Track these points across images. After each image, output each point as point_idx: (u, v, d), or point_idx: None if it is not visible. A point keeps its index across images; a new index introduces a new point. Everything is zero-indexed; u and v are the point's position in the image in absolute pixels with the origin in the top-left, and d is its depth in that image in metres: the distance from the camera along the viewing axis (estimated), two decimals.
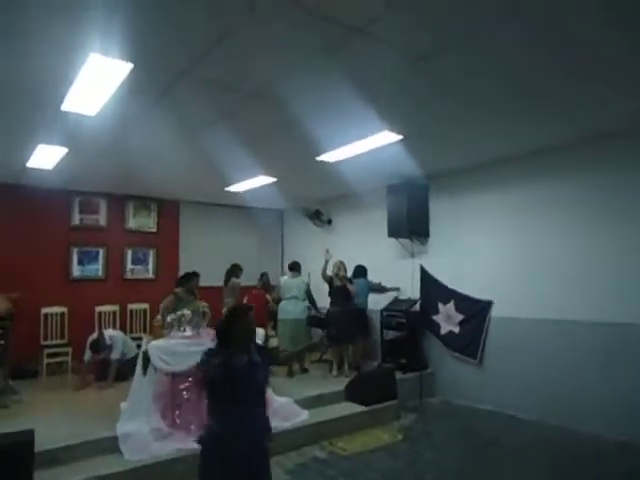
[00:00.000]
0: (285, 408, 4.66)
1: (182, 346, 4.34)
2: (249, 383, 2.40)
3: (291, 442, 4.34)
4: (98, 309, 6.98)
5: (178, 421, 4.10)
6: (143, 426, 3.98)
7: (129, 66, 3.02)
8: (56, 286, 6.75)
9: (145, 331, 7.32)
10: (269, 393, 4.71)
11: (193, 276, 5.52)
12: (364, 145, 4.89)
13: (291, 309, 6.21)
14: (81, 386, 5.65)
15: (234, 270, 6.85)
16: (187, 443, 3.92)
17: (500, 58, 3.09)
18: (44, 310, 6.57)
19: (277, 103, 3.83)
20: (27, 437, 3.30)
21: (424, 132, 4.61)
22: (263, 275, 7.61)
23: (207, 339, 4.44)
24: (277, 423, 4.39)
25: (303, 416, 4.66)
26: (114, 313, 7.14)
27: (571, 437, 4.44)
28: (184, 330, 4.65)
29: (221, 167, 5.86)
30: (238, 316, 2.54)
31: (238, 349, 2.39)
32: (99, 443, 3.82)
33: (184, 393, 4.20)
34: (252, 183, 6.74)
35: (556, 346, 4.99)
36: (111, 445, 3.83)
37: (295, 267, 6.56)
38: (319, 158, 5.37)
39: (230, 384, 2.33)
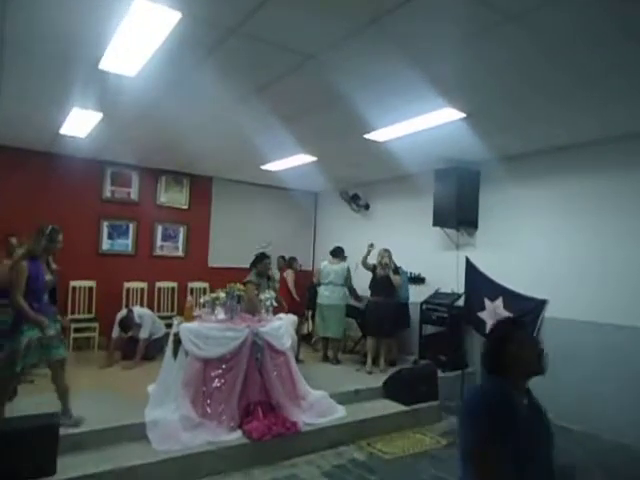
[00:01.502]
0: (321, 403, 4.35)
1: (216, 330, 4.05)
2: (538, 439, 1.65)
3: (327, 440, 4.05)
4: (127, 285, 6.79)
5: (209, 410, 3.82)
6: (172, 413, 3.72)
7: (177, 15, 2.67)
8: (85, 259, 6.56)
9: (173, 310, 7.13)
10: (304, 387, 4.44)
11: (263, 258, 5.18)
12: (421, 123, 4.45)
13: (328, 295, 6.04)
14: (107, 364, 5.47)
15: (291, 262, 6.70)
16: (219, 434, 3.69)
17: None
18: (73, 283, 6.40)
19: (328, 74, 3.46)
20: (51, 420, 3.06)
21: (488, 111, 4.15)
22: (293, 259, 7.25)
23: (242, 325, 4.18)
24: (312, 419, 4.12)
25: (339, 412, 4.35)
26: (142, 290, 6.94)
27: (623, 452, 4.03)
28: (217, 314, 4.37)
29: (260, 143, 5.51)
30: (511, 331, 1.77)
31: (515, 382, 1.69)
32: (126, 429, 3.58)
33: (216, 381, 3.93)
34: (290, 162, 6.37)
35: (617, 353, 4.53)
36: (138, 432, 3.58)
37: (337, 252, 6.27)
38: (367, 136, 4.96)
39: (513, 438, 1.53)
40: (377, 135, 4.93)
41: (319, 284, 6.24)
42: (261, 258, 5.13)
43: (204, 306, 4.36)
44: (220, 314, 4.40)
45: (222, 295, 4.31)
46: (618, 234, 4.68)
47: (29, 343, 3.24)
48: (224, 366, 3.97)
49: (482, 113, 4.21)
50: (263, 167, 6.75)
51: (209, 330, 4.05)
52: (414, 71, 3.41)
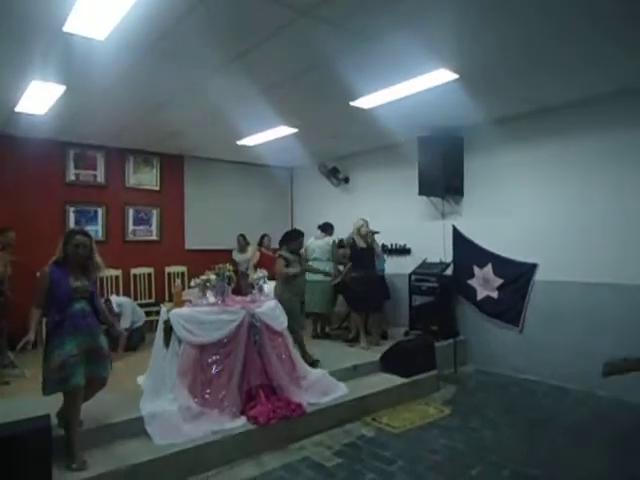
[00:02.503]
0: (322, 382, 4.21)
1: (210, 314, 3.81)
2: None
3: (333, 419, 3.92)
4: (99, 273, 6.38)
5: (209, 398, 3.61)
6: (170, 405, 3.49)
7: None
8: (52, 248, 6.08)
9: (150, 297, 6.81)
10: (303, 366, 4.29)
11: (299, 235, 4.91)
12: (410, 87, 4.27)
13: None
14: None
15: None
16: (222, 423, 3.49)
17: None
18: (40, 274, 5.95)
19: (317, 33, 3.23)
20: (42, 424, 2.79)
21: (479, 71, 4.02)
22: (263, 237, 7.11)
23: (237, 306, 3.96)
24: (315, 398, 3.99)
25: (341, 390, 4.22)
26: (117, 278, 6.57)
27: (626, 409, 4.12)
28: (208, 297, 4.13)
29: (238, 115, 5.21)
30: None
31: None
32: (122, 425, 3.32)
33: (214, 367, 3.71)
34: (268, 135, 6.08)
35: (611, 312, 4.59)
36: (136, 427, 3.34)
37: (324, 228, 6.13)
38: (353, 103, 4.74)
39: None
40: (363, 102, 4.72)
41: (306, 260, 6.07)
42: (296, 236, 4.91)
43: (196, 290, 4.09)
44: (210, 297, 4.16)
45: (213, 277, 4.06)
46: (602, 195, 4.70)
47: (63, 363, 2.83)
48: (221, 351, 3.75)
49: (473, 74, 4.08)
50: (239, 142, 6.43)
51: (203, 314, 3.81)
52: (409, 28, 3.23)
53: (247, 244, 7.20)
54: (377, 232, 5.93)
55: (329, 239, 6.06)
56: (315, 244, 6.01)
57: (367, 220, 5.73)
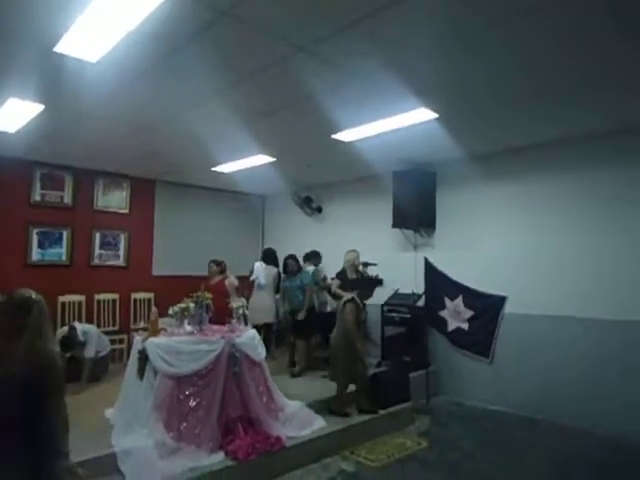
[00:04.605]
0: (300, 414, 4.14)
1: (188, 344, 3.70)
2: None
3: (311, 453, 3.84)
4: (62, 299, 6.08)
5: (185, 433, 3.46)
6: (145, 440, 3.32)
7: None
8: (11, 271, 5.78)
9: (115, 325, 6.53)
10: (281, 398, 4.20)
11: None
12: (392, 123, 4.43)
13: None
14: None
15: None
16: (198, 459, 3.36)
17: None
18: None
19: (309, 68, 3.33)
20: None
21: (457, 112, 4.23)
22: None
23: (216, 336, 3.87)
24: (294, 432, 3.90)
25: (319, 423, 4.16)
26: (79, 304, 6.26)
27: (597, 441, 4.26)
28: (185, 326, 4.01)
29: (217, 143, 5.20)
30: None
31: None
32: (93, 463, 3.11)
33: (191, 400, 3.58)
34: (245, 163, 6.09)
35: (577, 345, 4.79)
36: (106, 465, 3.15)
37: (305, 258, 6.30)
38: (334, 136, 4.85)
39: None
40: (344, 135, 4.83)
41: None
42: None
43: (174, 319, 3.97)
44: (188, 327, 4.04)
45: (191, 305, 3.96)
46: (570, 231, 4.96)
47: None
48: (199, 382, 3.63)
49: (451, 115, 4.27)
50: (214, 169, 6.40)
51: (180, 344, 3.69)
52: (395, 71, 3.38)
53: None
54: (374, 264, 5.43)
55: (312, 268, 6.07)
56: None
57: (359, 252, 5.58)
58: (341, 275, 5.19)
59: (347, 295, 4.67)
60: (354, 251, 5.20)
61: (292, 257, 6.02)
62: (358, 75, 3.44)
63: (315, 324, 5.92)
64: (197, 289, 4.43)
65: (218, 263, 6.24)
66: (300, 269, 5.96)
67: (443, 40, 2.93)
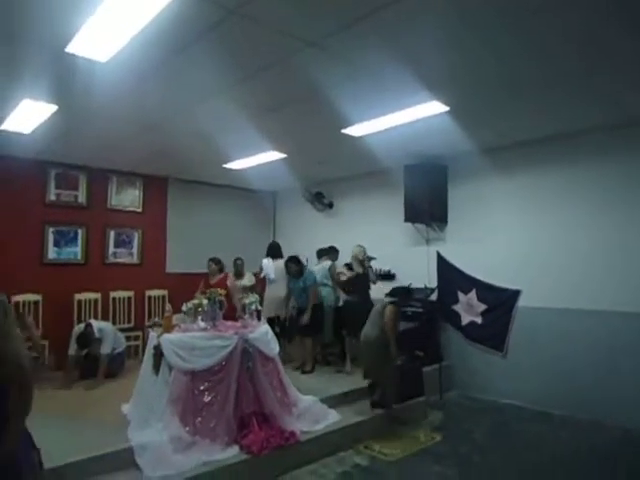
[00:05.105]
0: (313, 409, 4.16)
1: (202, 340, 3.73)
2: None
3: (325, 447, 3.86)
4: (77, 297, 6.18)
5: (200, 427, 3.50)
6: (160, 434, 3.37)
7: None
8: (28, 270, 5.90)
9: (130, 322, 6.61)
10: (294, 393, 4.23)
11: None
12: (402, 117, 4.40)
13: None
14: (64, 385, 4.92)
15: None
16: (213, 453, 3.39)
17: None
18: (15, 298, 5.70)
19: (319, 63, 3.31)
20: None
21: (470, 104, 4.19)
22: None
23: (229, 332, 3.89)
24: (308, 426, 3.92)
25: (333, 417, 4.18)
26: (95, 302, 6.36)
27: (609, 433, 4.22)
28: (199, 322, 4.05)
29: (228, 139, 5.22)
30: None
31: None
32: (111, 457, 3.18)
33: (206, 395, 3.62)
34: (256, 160, 6.11)
35: (589, 337, 4.74)
36: (124, 459, 3.20)
37: (322, 253, 6.20)
38: (344, 131, 4.84)
39: None
40: (354, 130, 4.82)
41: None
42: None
43: (187, 315, 4.00)
44: (201, 322, 4.07)
45: (205, 302, 3.99)
46: (581, 224, 4.90)
47: None
48: (213, 378, 3.67)
49: (462, 107, 4.23)
50: (226, 165, 6.43)
51: (194, 340, 3.73)
52: (406, 63, 3.35)
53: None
54: (374, 258, 5.90)
55: (327, 263, 6.05)
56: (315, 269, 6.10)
57: (365, 247, 5.78)
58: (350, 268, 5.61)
59: (389, 298, 4.75)
60: (359, 246, 5.54)
61: (293, 259, 5.75)
62: (368, 69, 3.42)
63: (322, 322, 5.82)
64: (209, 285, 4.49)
65: (217, 261, 6.26)
66: (302, 271, 5.69)
67: (454, 30, 2.90)
